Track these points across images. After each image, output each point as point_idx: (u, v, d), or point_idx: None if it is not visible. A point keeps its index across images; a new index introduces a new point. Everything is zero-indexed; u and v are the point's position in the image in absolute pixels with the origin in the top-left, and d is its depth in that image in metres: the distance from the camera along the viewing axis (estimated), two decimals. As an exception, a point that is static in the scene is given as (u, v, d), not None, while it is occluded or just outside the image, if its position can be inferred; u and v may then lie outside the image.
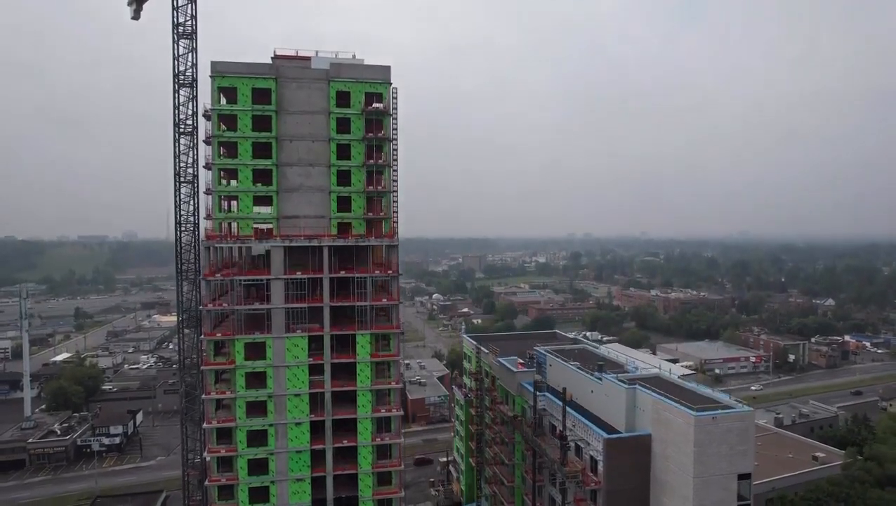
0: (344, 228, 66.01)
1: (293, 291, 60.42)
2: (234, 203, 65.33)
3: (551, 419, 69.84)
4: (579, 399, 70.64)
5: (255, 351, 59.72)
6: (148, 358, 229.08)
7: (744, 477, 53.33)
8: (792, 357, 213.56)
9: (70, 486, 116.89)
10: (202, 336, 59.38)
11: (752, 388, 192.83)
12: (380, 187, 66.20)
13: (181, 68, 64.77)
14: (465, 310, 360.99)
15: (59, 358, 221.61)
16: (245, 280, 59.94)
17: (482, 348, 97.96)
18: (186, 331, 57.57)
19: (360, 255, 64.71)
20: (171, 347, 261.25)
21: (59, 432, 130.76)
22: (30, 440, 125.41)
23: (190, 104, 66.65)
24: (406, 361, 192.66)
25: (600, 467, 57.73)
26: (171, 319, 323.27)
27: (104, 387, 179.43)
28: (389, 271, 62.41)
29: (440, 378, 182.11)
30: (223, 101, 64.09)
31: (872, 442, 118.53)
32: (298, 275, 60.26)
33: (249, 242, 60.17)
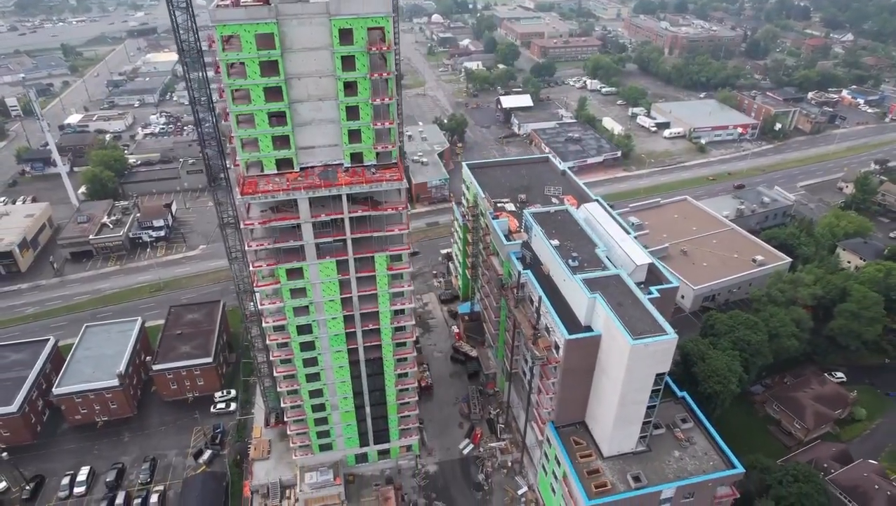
0: (356, 157, 72.88)
1: (319, 229, 71.78)
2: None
3: (531, 293, 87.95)
4: (554, 277, 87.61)
5: (294, 273, 74.20)
6: (157, 118, 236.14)
7: (660, 374, 73.84)
8: (779, 126, 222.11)
9: (138, 277, 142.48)
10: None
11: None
12: (387, 123, 70.64)
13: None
14: (466, 44, 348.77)
15: (72, 121, 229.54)
16: (278, 225, 70.57)
17: (480, 193, 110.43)
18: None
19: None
20: (175, 98, 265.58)
21: (111, 226, 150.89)
22: (91, 237, 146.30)
23: (189, 33, 66.34)
24: (408, 134, 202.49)
25: (561, 351, 78.16)
26: (166, 58, 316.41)
27: (129, 160, 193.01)
28: (400, 207, 72.61)
29: (440, 154, 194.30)
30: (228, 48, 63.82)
31: (809, 246, 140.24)
32: (323, 217, 70.75)
33: (278, 195, 68.53)
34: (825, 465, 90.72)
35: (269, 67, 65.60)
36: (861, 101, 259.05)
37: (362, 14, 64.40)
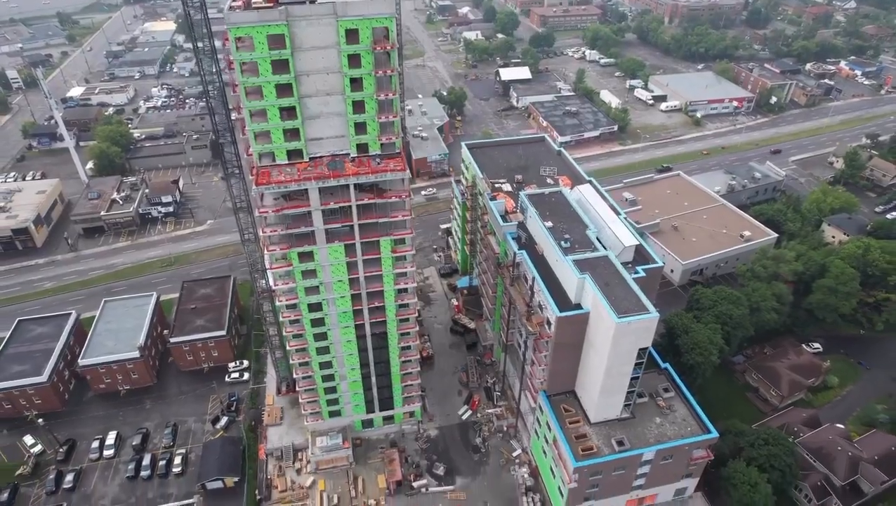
0: (362, 147, 77.64)
1: (328, 216, 77.08)
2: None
3: (525, 272, 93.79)
4: (548, 257, 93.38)
5: (305, 256, 79.83)
6: (159, 90, 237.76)
7: (643, 349, 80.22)
8: (774, 99, 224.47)
9: (149, 252, 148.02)
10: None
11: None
12: (391, 116, 75.20)
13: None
14: (465, 12, 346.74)
15: (74, 94, 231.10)
16: (291, 213, 75.82)
17: (479, 174, 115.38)
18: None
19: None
20: (174, 70, 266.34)
21: (120, 202, 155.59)
22: (102, 213, 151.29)
23: (205, 31, 70.45)
24: (407, 108, 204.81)
25: (553, 327, 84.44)
26: (163, 27, 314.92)
27: (134, 134, 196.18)
28: (403, 195, 77.80)
29: (440, 128, 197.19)
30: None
31: (795, 222, 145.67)
32: (332, 205, 75.99)
33: (290, 186, 73.54)
34: (795, 429, 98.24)
35: (280, 66, 69.79)
36: (859, 72, 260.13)
37: (367, 15, 68.38)
